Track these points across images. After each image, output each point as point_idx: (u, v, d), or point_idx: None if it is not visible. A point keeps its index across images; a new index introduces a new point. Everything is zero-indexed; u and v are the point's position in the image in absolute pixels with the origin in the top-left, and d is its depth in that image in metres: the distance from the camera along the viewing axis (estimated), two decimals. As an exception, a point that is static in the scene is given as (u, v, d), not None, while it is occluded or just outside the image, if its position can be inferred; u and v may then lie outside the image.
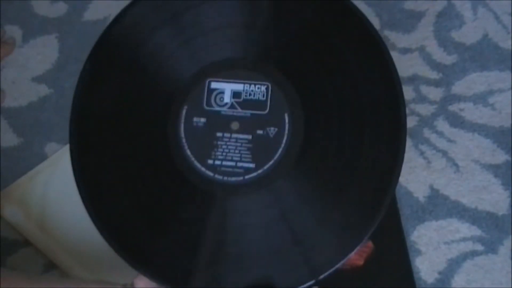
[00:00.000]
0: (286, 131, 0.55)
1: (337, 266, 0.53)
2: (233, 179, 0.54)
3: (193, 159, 0.54)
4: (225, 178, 0.54)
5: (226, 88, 0.56)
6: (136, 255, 0.53)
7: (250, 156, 0.54)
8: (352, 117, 0.55)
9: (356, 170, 0.54)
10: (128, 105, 0.57)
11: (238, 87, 0.56)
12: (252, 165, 0.54)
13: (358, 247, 0.53)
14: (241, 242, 0.53)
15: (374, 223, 0.53)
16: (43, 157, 0.79)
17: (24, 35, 0.88)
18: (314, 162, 0.54)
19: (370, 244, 0.70)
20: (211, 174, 0.54)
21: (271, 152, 0.54)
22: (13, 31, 0.88)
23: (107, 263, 0.70)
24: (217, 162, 0.54)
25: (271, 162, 0.54)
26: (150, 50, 0.57)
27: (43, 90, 0.84)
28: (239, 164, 0.54)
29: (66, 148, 0.79)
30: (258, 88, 0.56)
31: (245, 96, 0.56)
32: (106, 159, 0.56)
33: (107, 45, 0.58)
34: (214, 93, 0.56)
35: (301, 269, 0.53)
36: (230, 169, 0.54)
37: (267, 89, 0.56)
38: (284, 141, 0.54)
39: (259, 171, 0.54)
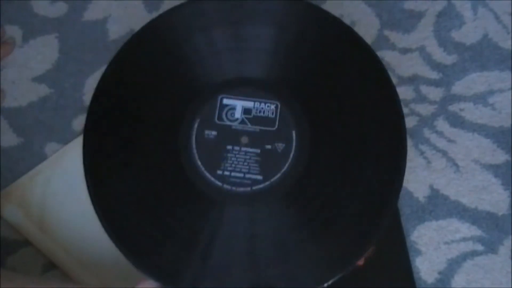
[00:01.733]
0: (293, 147, 0.57)
1: (325, 285, 0.55)
2: (241, 189, 0.56)
3: (203, 168, 0.57)
4: (233, 188, 0.56)
5: (238, 105, 0.59)
6: (142, 258, 0.55)
7: (258, 168, 0.57)
8: (355, 138, 0.58)
9: (357, 189, 0.56)
10: (143, 111, 0.59)
11: (249, 104, 0.59)
12: (260, 177, 0.56)
13: (352, 265, 0.56)
14: (245, 248, 0.55)
15: (370, 244, 0.56)
16: (43, 157, 0.79)
17: (24, 35, 0.88)
18: (319, 178, 0.57)
19: (370, 244, 0.70)
20: (219, 184, 0.56)
21: (279, 165, 0.57)
22: (13, 31, 0.88)
23: (107, 263, 0.70)
24: (226, 173, 0.56)
25: (278, 175, 0.56)
26: (172, 62, 0.61)
27: (43, 90, 0.84)
28: (247, 175, 0.56)
29: (66, 148, 0.79)
30: (267, 106, 0.59)
31: (255, 113, 0.59)
32: (116, 163, 0.58)
33: (134, 49, 0.61)
34: (226, 108, 0.59)
35: (297, 279, 0.54)
36: (238, 180, 0.56)
37: (276, 107, 0.59)
38: (291, 156, 0.57)
39: (266, 183, 0.56)
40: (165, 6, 0.90)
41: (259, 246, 0.55)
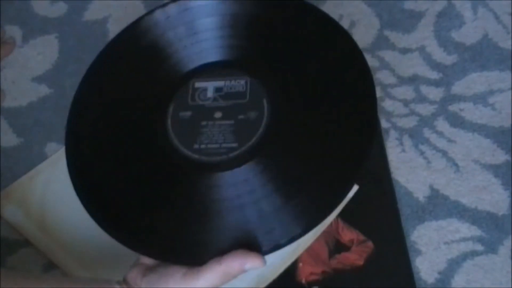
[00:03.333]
0: (266, 114, 0.59)
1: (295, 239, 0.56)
2: (218, 158, 0.58)
3: (180, 146, 0.59)
4: (210, 158, 0.58)
5: (209, 86, 0.62)
6: (136, 238, 0.57)
7: (233, 137, 0.59)
8: (324, 97, 0.60)
9: (329, 147, 0.58)
10: (123, 102, 0.63)
11: (220, 83, 0.62)
12: (235, 145, 0.58)
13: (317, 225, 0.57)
14: (229, 213, 0.57)
15: (336, 203, 0.57)
16: (43, 157, 0.79)
17: (24, 35, 0.88)
18: (292, 139, 0.59)
19: (370, 244, 0.70)
20: (197, 156, 0.58)
21: (253, 132, 0.59)
22: (13, 31, 0.88)
23: (107, 263, 0.70)
24: (203, 146, 0.59)
25: (253, 140, 0.58)
26: (147, 58, 0.65)
27: (43, 90, 0.84)
28: (223, 145, 0.59)
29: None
30: (238, 82, 0.62)
31: (227, 90, 0.61)
32: (99, 153, 0.61)
33: (118, 47, 0.66)
34: (198, 90, 0.62)
35: (268, 236, 0.56)
36: (214, 150, 0.58)
37: (246, 82, 0.61)
38: (264, 122, 0.59)
39: (242, 149, 0.58)
40: (165, 6, 0.90)
41: (241, 208, 0.56)
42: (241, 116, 0.59)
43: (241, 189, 0.57)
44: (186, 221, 0.57)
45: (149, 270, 0.57)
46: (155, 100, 0.62)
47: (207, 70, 0.63)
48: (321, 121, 0.59)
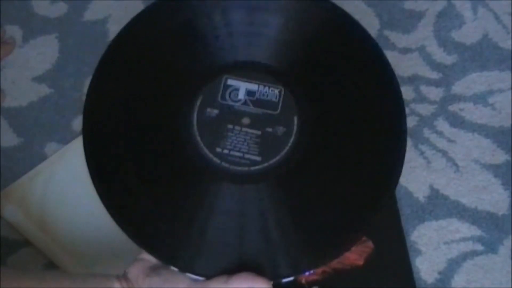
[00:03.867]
0: (294, 132, 0.57)
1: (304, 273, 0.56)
2: (239, 168, 0.56)
3: (202, 145, 0.57)
4: (232, 166, 0.56)
5: (241, 86, 0.59)
6: (142, 234, 0.56)
7: (257, 149, 0.57)
8: (356, 131, 0.58)
9: (353, 182, 0.57)
10: (146, 89, 0.59)
11: (253, 87, 0.59)
12: (258, 158, 0.56)
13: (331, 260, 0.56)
14: (237, 227, 0.55)
15: (347, 247, 0.55)
16: (43, 157, 0.79)
17: (24, 35, 0.88)
18: (318, 164, 0.57)
19: (370, 244, 0.70)
20: (218, 161, 0.56)
21: (278, 149, 0.57)
22: (13, 31, 0.88)
23: (107, 262, 0.70)
24: (225, 151, 0.57)
25: (277, 158, 0.56)
26: (178, 40, 0.60)
27: (43, 90, 0.84)
28: (247, 155, 0.57)
29: (66, 148, 0.79)
30: (271, 90, 0.59)
31: (259, 96, 0.59)
32: (118, 141, 0.58)
33: (138, 26, 0.61)
34: (230, 89, 0.59)
35: (276, 265, 0.55)
36: (237, 159, 0.56)
37: (280, 92, 0.59)
38: (291, 140, 0.57)
39: (265, 165, 0.56)
40: (165, 6, 0.90)
41: (250, 226, 0.55)
42: (268, 129, 0.57)
43: (256, 206, 0.55)
44: (194, 227, 0.55)
45: (151, 270, 0.56)
46: (184, 88, 0.58)
47: (243, 68, 0.59)
48: (348, 154, 0.57)
